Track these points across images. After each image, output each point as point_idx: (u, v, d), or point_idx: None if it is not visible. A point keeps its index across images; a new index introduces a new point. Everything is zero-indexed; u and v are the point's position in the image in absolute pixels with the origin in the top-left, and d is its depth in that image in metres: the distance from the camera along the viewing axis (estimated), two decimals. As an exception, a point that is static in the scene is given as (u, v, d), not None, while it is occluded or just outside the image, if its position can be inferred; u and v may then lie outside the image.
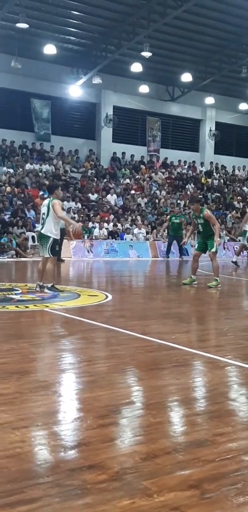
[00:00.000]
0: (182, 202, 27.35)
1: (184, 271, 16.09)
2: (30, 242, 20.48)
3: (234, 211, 28.05)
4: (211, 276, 11.94)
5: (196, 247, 12.48)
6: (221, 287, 11.60)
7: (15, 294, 9.73)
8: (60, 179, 23.43)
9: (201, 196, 24.85)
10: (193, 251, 12.96)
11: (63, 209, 10.76)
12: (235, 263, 18.22)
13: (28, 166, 25.23)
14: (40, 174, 25.00)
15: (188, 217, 23.09)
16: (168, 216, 22.27)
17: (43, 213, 9.95)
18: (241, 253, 19.87)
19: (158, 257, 22.09)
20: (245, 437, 3.39)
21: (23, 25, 21.17)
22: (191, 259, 13.88)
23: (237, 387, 4.67)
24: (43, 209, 10.02)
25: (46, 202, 10.19)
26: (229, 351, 5.85)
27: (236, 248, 23.28)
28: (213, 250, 11.66)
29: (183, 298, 10.66)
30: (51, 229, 9.80)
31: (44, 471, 2.85)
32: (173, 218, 21.11)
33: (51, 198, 9.99)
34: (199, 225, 11.82)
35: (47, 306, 8.50)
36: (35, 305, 8.56)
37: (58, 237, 10.42)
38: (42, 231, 9.91)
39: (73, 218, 22.12)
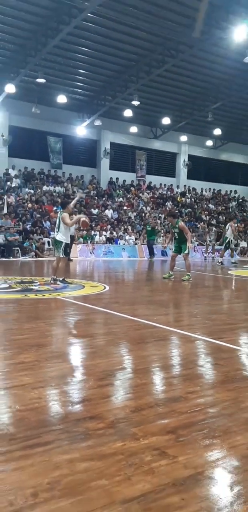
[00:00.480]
0: (163, 216, 27.40)
1: (164, 268, 16.10)
2: (46, 246, 20.43)
3: (202, 223, 28.09)
4: (185, 272, 11.96)
5: (173, 250, 12.49)
6: (192, 280, 11.63)
7: (35, 285, 9.71)
8: (69, 197, 23.34)
9: (177, 211, 24.83)
10: (171, 253, 12.96)
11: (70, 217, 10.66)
12: (221, 263, 18.25)
13: (45, 187, 25.17)
14: (54, 194, 24.94)
15: (167, 227, 23.13)
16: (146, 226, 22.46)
17: (58, 224, 9.95)
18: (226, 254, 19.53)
19: (144, 258, 22.09)
20: (210, 395, 3.40)
21: (42, 80, 21.16)
22: (158, 259, 14.03)
23: (204, 356, 4.67)
24: (57, 221, 10.02)
25: (58, 215, 10.18)
26: (198, 329, 5.85)
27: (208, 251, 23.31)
28: (186, 252, 11.72)
29: (163, 289, 10.68)
30: (63, 236, 9.80)
31: (56, 421, 2.84)
32: (147, 226, 21.41)
33: (62, 212, 9.96)
34: (175, 233, 11.87)
35: (59, 294, 8.49)
36: (50, 294, 8.54)
37: (69, 242, 10.42)
38: (57, 238, 9.91)
39: (79, 228, 22.13)
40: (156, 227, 22.63)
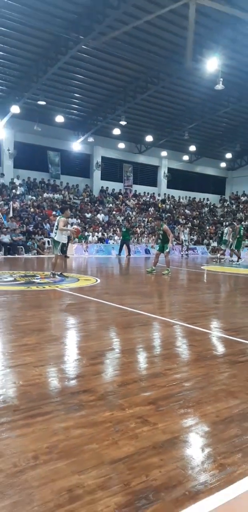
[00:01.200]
0: (146, 219, 27.45)
1: (147, 264, 16.13)
2: (46, 245, 20.30)
3: (180, 225, 28.15)
4: (165, 267, 12.00)
5: (157, 249, 12.57)
6: (171, 274, 11.68)
7: (36, 279, 9.66)
8: (66, 203, 23.28)
9: (159, 215, 24.87)
10: (155, 251, 13.00)
11: (67, 223, 10.68)
12: (232, 261, 18.17)
13: (45, 195, 24.98)
14: (53, 200, 24.79)
15: (150, 229, 23.11)
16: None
17: (56, 226, 9.90)
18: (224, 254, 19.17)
19: (130, 255, 21.95)
20: (185, 371, 3.42)
21: (42, 102, 21.03)
22: (128, 257, 13.95)
23: (180, 338, 4.71)
24: (56, 223, 9.98)
25: (57, 218, 10.12)
26: (176, 315, 5.89)
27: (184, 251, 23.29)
28: (167, 250, 11.84)
29: (147, 281, 10.71)
30: (60, 237, 9.77)
31: (54, 394, 2.83)
32: (122, 228, 21.26)
33: (61, 216, 9.91)
34: (160, 235, 11.95)
35: (57, 286, 8.46)
36: (49, 286, 8.51)
37: (65, 241, 10.38)
38: (55, 238, 9.87)
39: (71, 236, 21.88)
40: (130, 229, 22.58)
